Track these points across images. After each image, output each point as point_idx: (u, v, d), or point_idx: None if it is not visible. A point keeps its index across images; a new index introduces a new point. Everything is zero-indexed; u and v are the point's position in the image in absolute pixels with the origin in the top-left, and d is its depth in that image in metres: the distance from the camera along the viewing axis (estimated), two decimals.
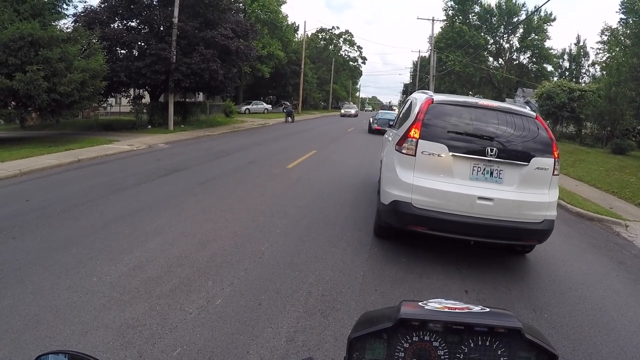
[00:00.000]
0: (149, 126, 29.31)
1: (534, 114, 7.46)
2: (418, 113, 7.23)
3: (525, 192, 6.89)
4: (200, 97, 48.70)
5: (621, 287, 7.20)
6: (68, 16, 30.72)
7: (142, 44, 29.59)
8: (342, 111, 75.48)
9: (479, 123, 7.11)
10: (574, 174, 19.31)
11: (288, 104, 69.93)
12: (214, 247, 7.34)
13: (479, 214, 6.79)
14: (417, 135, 7.02)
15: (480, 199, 6.79)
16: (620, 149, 26.87)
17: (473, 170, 6.94)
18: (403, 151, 7.18)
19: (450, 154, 6.89)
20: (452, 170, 6.93)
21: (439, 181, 6.92)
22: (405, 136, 7.20)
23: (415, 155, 7.01)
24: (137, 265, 6.42)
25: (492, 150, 6.80)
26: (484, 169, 6.93)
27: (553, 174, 6.99)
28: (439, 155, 6.92)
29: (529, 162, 6.87)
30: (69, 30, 22.16)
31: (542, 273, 7.37)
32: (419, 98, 8.09)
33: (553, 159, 6.97)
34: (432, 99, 7.42)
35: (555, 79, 64.70)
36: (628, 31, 30.04)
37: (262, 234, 8.15)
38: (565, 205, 12.88)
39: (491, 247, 8.07)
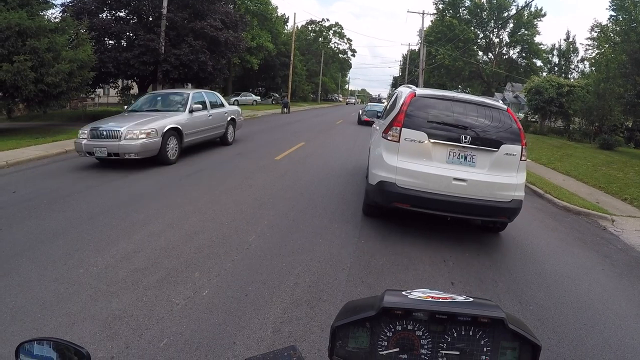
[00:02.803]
0: None
1: (505, 106, 8.41)
2: (402, 105, 8.15)
3: (496, 175, 7.82)
4: (189, 88, 48.57)
5: (607, 280, 7.26)
6: (56, 6, 30.57)
7: (131, 34, 29.39)
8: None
9: (455, 114, 8.01)
10: (562, 168, 19.38)
11: (277, 95, 70.51)
12: (201, 238, 7.35)
13: (454, 193, 7.72)
14: (401, 124, 7.93)
15: (456, 180, 7.71)
16: (608, 144, 27.04)
17: (449, 155, 7.86)
18: (388, 138, 8.07)
19: (430, 140, 7.80)
20: (431, 155, 7.85)
21: (420, 164, 7.84)
22: (391, 125, 8.12)
23: (399, 142, 7.92)
24: (124, 256, 6.42)
25: (466, 138, 7.72)
26: (459, 154, 7.85)
27: (520, 159, 7.91)
28: (419, 142, 7.84)
29: (498, 149, 7.79)
30: (57, 20, 21.94)
31: (528, 266, 7.41)
32: (404, 91, 8.98)
33: (520, 146, 7.89)
34: (415, 92, 8.35)
35: (545, 74, 64.92)
36: (618, 28, 30.19)
37: (249, 226, 8.16)
38: (552, 199, 12.97)
39: (476, 238, 8.21)
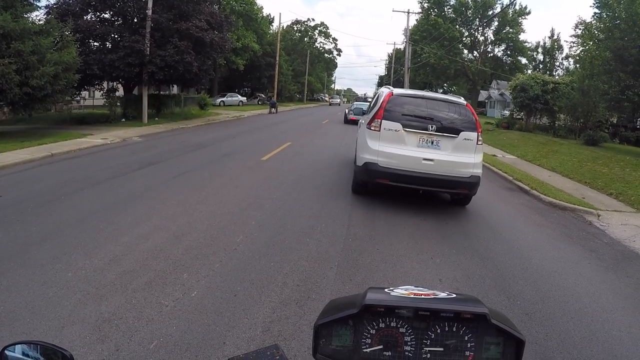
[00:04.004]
0: (123, 119, 29.00)
1: (464, 102, 10.62)
2: (382, 102, 10.32)
3: (457, 155, 9.93)
4: (175, 89, 48.29)
5: (593, 274, 7.35)
6: (40, 8, 30.24)
7: (116, 36, 29.17)
8: None
9: (424, 109, 10.18)
10: (547, 164, 19.54)
11: (263, 95, 71.07)
12: (189, 239, 7.33)
13: (424, 170, 9.80)
14: (381, 117, 10.09)
15: (425, 160, 9.81)
16: (593, 140, 27.17)
17: (419, 140, 9.98)
18: (372, 128, 10.24)
19: (404, 129, 9.95)
20: (405, 141, 9.98)
21: (396, 148, 9.96)
22: (374, 118, 10.33)
23: (380, 131, 10.06)
24: (112, 259, 6.38)
25: (432, 127, 9.89)
26: (427, 140, 9.95)
27: (477, 143, 10.03)
28: (396, 131, 9.97)
29: (458, 135, 9.93)
30: (41, 22, 21.76)
31: (515, 262, 7.48)
32: (384, 91, 11.19)
33: (476, 133, 10.04)
34: (393, 92, 10.58)
35: (529, 71, 65.15)
36: (602, 25, 30.31)
37: (237, 226, 8.16)
38: (539, 196, 13.11)
39: (463, 234, 8.32)
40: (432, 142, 9.95)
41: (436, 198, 11.69)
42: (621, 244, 9.33)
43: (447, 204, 11.23)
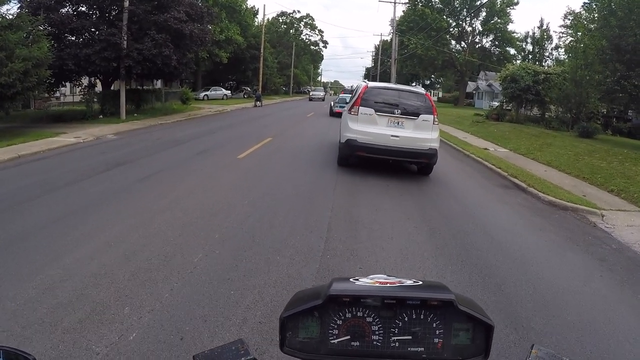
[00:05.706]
0: (101, 116, 28.11)
1: (424, 91, 14.14)
2: (360, 93, 13.47)
3: (417, 133, 12.81)
4: (158, 84, 47.41)
5: (607, 291, 6.49)
6: (11, 1, 29.24)
7: (93, 29, 28.28)
8: None
9: (392, 97, 13.27)
10: (542, 158, 18.91)
11: (249, 89, 71.75)
12: (140, 260, 6.32)
13: (392, 144, 12.66)
14: (359, 104, 13.05)
15: (392, 136, 12.69)
16: (587, 132, 26.59)
17: (388, 121, 12.90)
18: (352, 113, 13.24)
19: (376, 113, 12.90)
20: (377, 122, 12.93)
21: (371, 128, 12.86)
22: (353, 105, 13.38)
23: (358, 115, 13.00)
24: (48, 287, 5.39)
25: (397, 111, 12.86)
26: (394, 121, 12.87)
27: (433, 124, 12.93)
28: (369, 114, 12.93)
29: (418, 117, 12.87)
30: (11, 16, 20.85)
31: (521, 279, 6.52)
32: (361, 85, 14.67)
33: (432, 116, 12.94)
34: (368, 85, 14.10)
35: (519, 62, 64.81)
36: (591, 16, 29.62)
37: (197, 241, 7.17)
38: (537, 194, 12.45)
39: (459, 246, 7.45)
40: (398, 123, 12.89)
41: (423, 197, 10.94)
42: (631, 249, 8.54)
43: (440, 211, 10.36)
